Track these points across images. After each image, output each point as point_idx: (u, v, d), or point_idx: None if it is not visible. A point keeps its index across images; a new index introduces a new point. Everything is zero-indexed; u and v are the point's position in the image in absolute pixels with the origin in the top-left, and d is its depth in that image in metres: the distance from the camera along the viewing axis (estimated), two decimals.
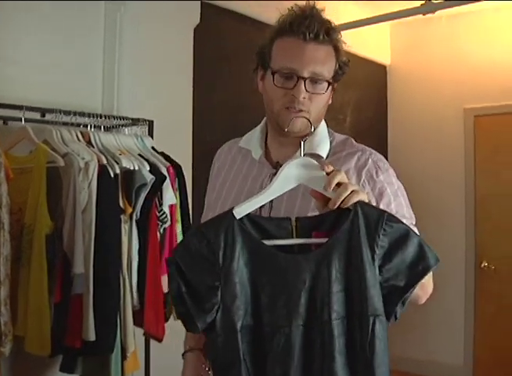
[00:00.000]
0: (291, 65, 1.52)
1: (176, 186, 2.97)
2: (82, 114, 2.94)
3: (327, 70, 1.56)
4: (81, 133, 2.89)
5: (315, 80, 1.54)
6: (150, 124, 3.20)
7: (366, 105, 5.72)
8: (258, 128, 1.74)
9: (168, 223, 2.92)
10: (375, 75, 5.84)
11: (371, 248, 1.23)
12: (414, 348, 5.73)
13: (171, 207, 2.94)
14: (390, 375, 1.28)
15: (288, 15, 1.57)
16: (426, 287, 1.48)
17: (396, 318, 1.28)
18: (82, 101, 3.22)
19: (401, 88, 5.88)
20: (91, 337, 2.56)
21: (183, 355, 1.83)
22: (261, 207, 1.40)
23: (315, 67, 1.53)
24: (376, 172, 1.59)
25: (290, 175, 1.32)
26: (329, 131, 1.71)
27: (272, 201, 1.42)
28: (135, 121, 3.18)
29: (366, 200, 1.29)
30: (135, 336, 2.82)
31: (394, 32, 5.89)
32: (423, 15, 3.93)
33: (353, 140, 1.72)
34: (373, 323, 1.22)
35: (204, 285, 1.24)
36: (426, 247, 1.28)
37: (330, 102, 1.66)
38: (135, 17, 3.45)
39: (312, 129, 1.45)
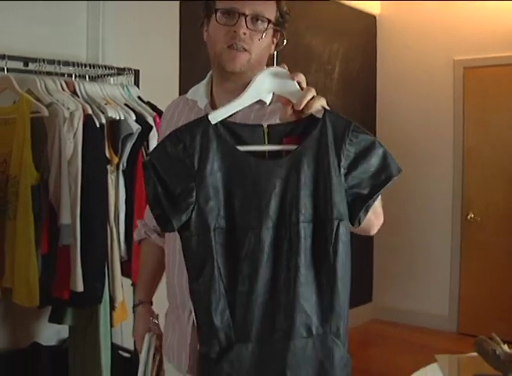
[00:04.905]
0: (233, 4, 1.56)
1: None
2: (66, 64, 2.89)
3: (268, 11, 1.59)
4: (66, 83, 2.84)
5: (256, 18, 1.57)
6: (136, 73, 3.15)
7: (355, 55, 5.66)
8: (204, 81, 1.76)
9: None
10: (364, 25, 5.77)
11: (338, 156, 1.30)
12: (400, 299, 5.80)
13: None
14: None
15: None
16: (379, 214, 1.51)
17: (360, 223, 1.35)
18: (66, 50, 3.16)
19: (390, 38, 5.82)
20: (80, 288, 2.57)
21: (134, 308, 1.94)
22: None
23: (255, 6, 1.56)
24: None
25: (263, 84, 1.37)
26: None
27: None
28: (120, 71, 3.13)
29: (325, 105, 1.34)
30: (123, 287, 2.83)
31: None
32: None
33: None
34: (337, 227, 1.29)
35: (180, 186, 1.28)
36: (390, 157, 1.34)
37: (272, 51, 1.68)
38: None
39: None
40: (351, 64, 5.61)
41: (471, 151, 5.38)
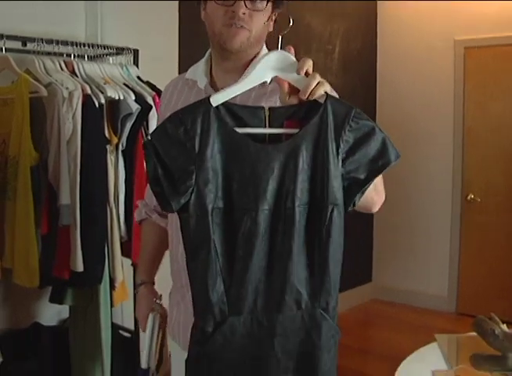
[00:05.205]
0: None
1: None
2: (65, 43, 2.87)
3: None
4: (65, 62, 2.83)
5: None
6: (135, 52, 3.14)
7: (356, 35, 5.62)
8: (203, 59, 1.76)
9: None
10: (365, 5, 5.71)
11: (336, 142, 1.32)
12: (399, 279, 5.82)
13: None
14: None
15: None
16: (380, 192, 1.53)
17: (354, 206, 1.38)
18: (65, 30, 3.13)
19: (391, 17, 5.77)
20: (80, 268, 2.57)
21: (136, 288, 1.95)
22: None
23: None
24: None
25: (267, 67, 1.37)
26: None
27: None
28: (119, 50, 3.11)
29: (329, 91, 1.35)
30: (123, 267, 2.83)
31: None
32: None
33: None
34: (332, 212, 1.32)
35: (180, 169, 1.30)
36: (389, 143, 1.36)
37: (271, 30, 1.66)
38: None
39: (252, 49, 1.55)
40: (352, 44, 5.57)
41: (471, 131, 5.37)
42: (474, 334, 2.06)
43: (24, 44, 2.79)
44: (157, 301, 1.85)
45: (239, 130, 1.33)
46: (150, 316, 1.81)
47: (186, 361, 1.39)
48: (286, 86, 1.35)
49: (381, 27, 5.86)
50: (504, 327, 2.02)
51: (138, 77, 3.05)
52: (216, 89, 1.65)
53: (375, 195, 1.49)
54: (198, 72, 1.73)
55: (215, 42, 1.62)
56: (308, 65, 1.34)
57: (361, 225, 5.39)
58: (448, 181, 5.50)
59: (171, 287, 1.80)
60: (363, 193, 1.37)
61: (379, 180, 1.44)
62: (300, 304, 1.34)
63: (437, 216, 5.58)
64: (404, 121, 5.47)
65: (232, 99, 1.36)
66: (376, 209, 1.57)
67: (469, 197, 5.37)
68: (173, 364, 1.79)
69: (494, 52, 5.19)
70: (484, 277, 5.31)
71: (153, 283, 1.94)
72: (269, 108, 1.35)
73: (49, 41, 2.79)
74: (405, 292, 5.74)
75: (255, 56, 1.62)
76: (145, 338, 1.82)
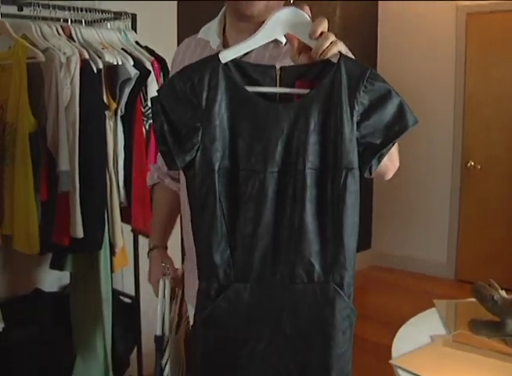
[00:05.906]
0: None
1: (161, 80, 2.90)
2: (62, 8, 2.81)
3: None
4: (62, 27, 2.78)
5: None
6: (133, 17, 3.09)
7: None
8: (216, 19, 1.72)
9: None
10: None
11: (350, 104, 1.26)
12: (399, 246, 5.85)
13: None
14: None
15: None
16: (394, 159, 1.48)
17: (371, 173, 1.33)
18: None
19: None
20: (80, 234, 2.57)
21: (148, 253, 1.93)
22: None
23: None
24: None
25: (278, 24, 1.32)
26: None
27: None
28: (117, 15, 3.06)
29: (344, 51, 1.31)
30: (123, 232, 2.84)
31: None
32: None
33: None
34: (346, 176, 1.27)
35: (186, 125, 1.26)
36: (406, 108, 1.32)
37: None
38: None
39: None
40: (352, 8, 5.51)
41: (472, 97, 5.35)
42: (473, 299, 2.07)
43: (20, 9, 2.75)
44: (167, 265, 1.82)
45: (249, 88, 1.29)
46: (161, 281, 1.79)
47: (192, 327, 1.36)
48: (296, 43, 1.31)
49: None
50: (503, 293, 2.03)
51: (137, 42, 3.01)
52: None
53: (389, 162, 1.43)
54: (210, 32, 1.69)
55: (231, 4, 1.58)
56: (323, 27, 1.29)
57: (360, 191, 5.38)
58: (449, 148, 5.49)
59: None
60: (380, 159, 1.31)
61: (393, 148, 1.38)
62: (312, 276, 1.28)
63: (437, 183, 5.58)
64: (405, 88, 5.38)
65: (246, 59, 1.34)
66: (389, 177, 1.52)
67: (469, 164, 5.37)
68: None
69: (496, 18, 5.15)
70: (484, 244, 5.34)
71: (166, 248, 1.93)
72: (281, 67, 1.31)
73: (45, 6, 2.74)
74: (404, 258, 5.77)
75: None
76: (157, 304, 1.80)
